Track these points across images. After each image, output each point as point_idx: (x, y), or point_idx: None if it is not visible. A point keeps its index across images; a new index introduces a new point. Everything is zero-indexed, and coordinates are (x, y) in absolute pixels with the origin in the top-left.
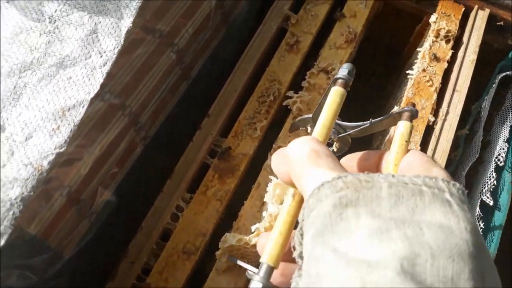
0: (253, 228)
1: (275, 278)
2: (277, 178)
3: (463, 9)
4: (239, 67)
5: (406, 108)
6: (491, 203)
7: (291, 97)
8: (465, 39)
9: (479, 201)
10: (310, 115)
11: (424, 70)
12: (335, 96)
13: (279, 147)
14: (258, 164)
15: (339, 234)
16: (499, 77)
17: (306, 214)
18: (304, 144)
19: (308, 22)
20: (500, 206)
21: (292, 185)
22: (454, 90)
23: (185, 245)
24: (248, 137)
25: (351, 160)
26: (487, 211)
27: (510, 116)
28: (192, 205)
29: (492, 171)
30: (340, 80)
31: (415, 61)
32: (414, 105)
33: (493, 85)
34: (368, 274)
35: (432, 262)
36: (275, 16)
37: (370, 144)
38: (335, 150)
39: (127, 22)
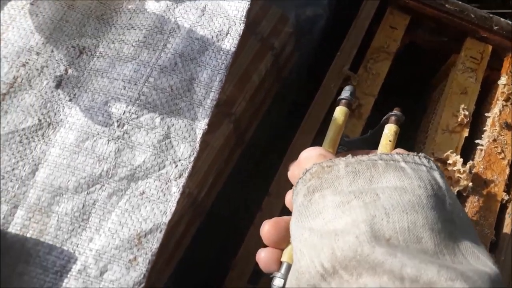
0: None
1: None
2: None
3: None
4: (296, 140)
5: (391, 113)
6: None
7: None
8: None
9: None
10: None
11: (494, 140)
12: (339, 114)
13: None
14: None
15: (312, 215)
16: None
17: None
18: (314, 150)
19: (369, 82)
20: None
21: None
22: None
23: None
24: None
25: None
26: None
27: None
28: None
29: None
30: (343, 101)
31: (483, 128)
32: (400, 110)
33: None
34: (335, 241)
35: (387, 219)
36: (334, 77)
37: None
38: None
39: (201, 123)
